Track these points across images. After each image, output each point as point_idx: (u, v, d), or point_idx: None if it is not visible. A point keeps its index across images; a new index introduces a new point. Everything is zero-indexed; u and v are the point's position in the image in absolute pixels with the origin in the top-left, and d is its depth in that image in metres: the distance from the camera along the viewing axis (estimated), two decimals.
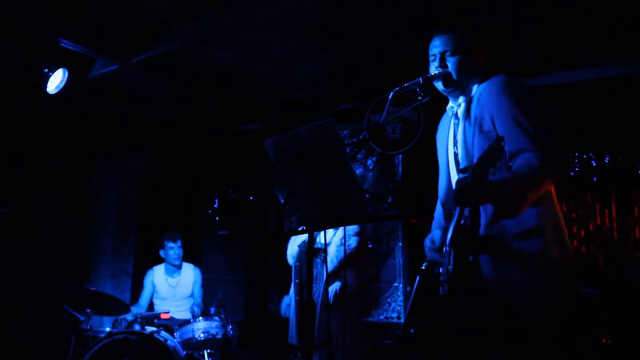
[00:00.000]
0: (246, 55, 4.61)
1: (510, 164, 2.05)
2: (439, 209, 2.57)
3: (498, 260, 2.09)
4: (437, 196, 2.55)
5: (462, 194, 1.91)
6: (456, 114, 2.37)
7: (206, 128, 6.07)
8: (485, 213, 2.12)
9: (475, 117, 2.19)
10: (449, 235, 2.20)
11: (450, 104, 2.42)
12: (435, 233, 2.39)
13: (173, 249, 5.23)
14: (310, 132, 2.21)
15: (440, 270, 2.34)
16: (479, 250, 2.11)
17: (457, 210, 2.08)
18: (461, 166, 2.27)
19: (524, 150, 2.02)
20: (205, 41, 4.28)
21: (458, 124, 2.35)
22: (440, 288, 2.30)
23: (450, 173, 2.39)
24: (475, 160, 2.13)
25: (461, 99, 2.34)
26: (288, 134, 2.26)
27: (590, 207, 4.24)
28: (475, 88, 2.30)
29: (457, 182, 1.92)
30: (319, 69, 4.86)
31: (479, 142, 2.15)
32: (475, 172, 1.84)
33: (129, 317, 4.51)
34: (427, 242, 2.40)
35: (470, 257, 2.13)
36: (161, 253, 5.30)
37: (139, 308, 5.15)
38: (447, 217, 2.40)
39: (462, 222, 2.08)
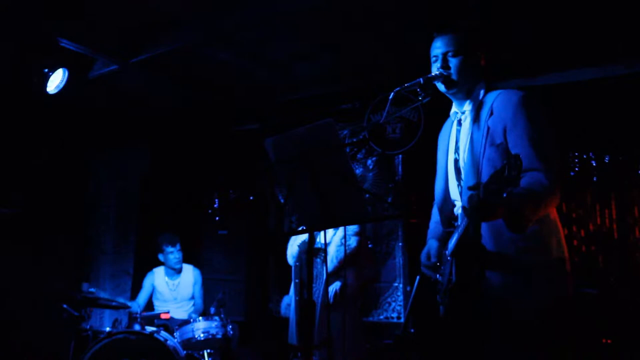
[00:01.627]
0: (246, 55, 4.61)
1: None
2: (435, 217, 2.56)
3: (502, 271, 2.10)
4: (434, 203, 2.55)
5: (475, 210, 1.90)
6: (459, 120, 2.36)
7: (206, 128, 6.06)
8: (487, 225, 2.12)
9: (488, 128, 2.17)
10: (450, 245, 2.20)
11: (454, 109, 2.40)
12: (431, 244, 2.39)
13: (173, 253, 5.17)
14: (310, 132, 2.21)
15: (439, 278, 2.35)
16: (485, 263, 2.11)
17: (464, 222, 2.08)
18: (463, 173, 2.26)
19: (534, 169, 2.04)
20: (205, 41, 4.28)
21: (461, 131, 2.34)
22: (439, 297, 2.31)
23: (448, 179, 2.38)
24: (483, 170, 2.13)
25: (467, 105, 2.32)
26: (288, 134, 2.26)
27: (590, 207, 4.24)
28: (482, 93, 2.28)
29: (469, 198, 1.91)
30: (319, 69, 4.86)
31: (490, 154, 2.14)
32: (487, 188, 1.82)
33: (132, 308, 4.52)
34: (422, 257, 2.41)
35: (473, 268, 2.13)
36: (160, 257, 5.23)
37: (137, 306, 5.11)
38: (445, 223, 2.39)
39: (467, 233, 2.09)
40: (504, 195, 1.80)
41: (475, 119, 2.25)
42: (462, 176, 2.27)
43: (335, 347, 3.64)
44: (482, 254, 2.11)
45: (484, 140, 2.17)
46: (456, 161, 2.32)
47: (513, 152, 2.10)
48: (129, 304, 4.71)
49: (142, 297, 5.27)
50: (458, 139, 2.34)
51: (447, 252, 2.26)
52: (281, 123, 5.57)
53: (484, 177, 2.13)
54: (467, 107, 2.32)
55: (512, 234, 2.01)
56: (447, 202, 2.37)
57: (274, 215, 5.85)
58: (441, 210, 2.42)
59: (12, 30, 4.18)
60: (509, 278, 2.08)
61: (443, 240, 2.34)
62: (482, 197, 1.84)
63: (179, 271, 5.27)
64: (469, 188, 1.89)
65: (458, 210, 2.31)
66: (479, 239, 2.12)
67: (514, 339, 2.05)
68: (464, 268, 2.15)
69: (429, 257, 2.37)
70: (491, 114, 2.19)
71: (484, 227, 2.12)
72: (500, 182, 1.78)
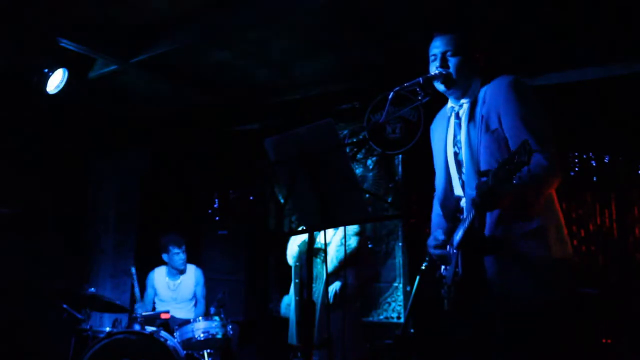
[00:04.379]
0: (246, 55, 4.61)
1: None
2: (436, 210, 2.56)
3: (504, 260, 2.10)
4: (435, 197, 2.55)
5: (484, 199, 1.90)
6: (457, 113, 2.36)
7: (206, 128, 6.06)
8: (490, 214, 2.12)
9: (482, 116, 2.19)
10: (457, 238, 2.20)
11: (450, 104, 2.41)
12: (436, 233, 2.39)
13: (178, 254, 5.17)
14: (310, 132, 2.21)
15: (443, 272, 2.34)
16: (487, 251, 2.11)
17: (470, 214, 2.08)
18: (464, 166, 2.26)
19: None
20: (205, 41, 4.28)
21: (459, 124, 2.34)
22: (443, 290, 2.31)
23: (450, 173, 2.38)
24: (480, 158, 2.13)
25: (464, 100, 2.33)
26: (288, 134, 2.26)
27: (590, 207, 4.24)
28: (477, 89, 2.29)
29: (477, 186, 1.91)
30: (319, 69, 4.86)
31: (485, 141, 2.15)
32: (496, 176, 1.82)
33: (138, 310, 4.51)
34: (430, 241, 2.40)
35: (479, 259, 2.13)
36: (164, 257, 5.23)
37: (144, 307, 5.09)
38: (448, 217, 2.39)
39: (474, 225, 2.09)
40: (514, 182, 1.80)
41: (472, 112, 2.27)
42: (463, 169, 2.28)
43: (335, 347, 3.64)
44: (488, 247, 2.11)
45: (479, 129, 2.18)
46: (456, 154, 2.33)
47: (508, 135, 2.12)
48: (136, 305, 4.68)
49: (149, 298, 5.25)
50: (457, 133, 2.34)
51: (453, 244, 2.26)
52: (281, 123, 5.57)
53: (483, 165, 2.15)
54: (464, 100, 2.33)
55: (513, 222, 2.03)
56: (449, 196, 2.37)
57: (274, 215, 5.85)
58: (443, 205, 2.42)
59: (12, 30, 4.19)
60: (511, 272, 2.08)
61: (448, 233, 2.35)
62: (491, 185, 1.83)
63: (181, 272, 5.27)
64: (478, 174, 1.90)
65: (463, 203, 2.31)
66: (484, 230, 2.13)
67: (515, 336, 2.06)
68: (471, 260, 2.15)
69: (436, 239, 2.35)
70: (484, 102, 2.21)
71: (487, 217, 2.13)
72: (509, 170, 1.77)
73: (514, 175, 1.79)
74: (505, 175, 1.79)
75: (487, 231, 2.13)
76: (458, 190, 2.34)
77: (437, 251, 2.36)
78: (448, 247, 2.31)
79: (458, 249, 2.20)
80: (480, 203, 1.93)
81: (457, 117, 2.36)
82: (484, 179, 1.88)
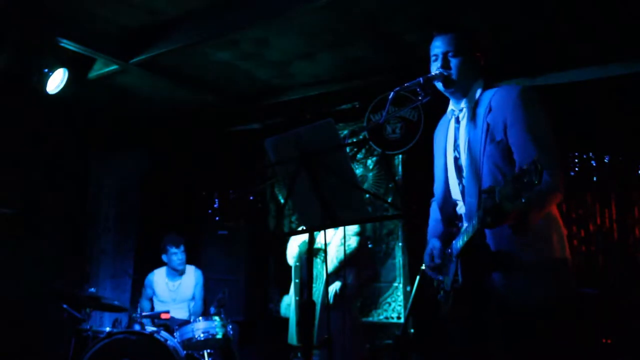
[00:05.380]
0: (246, 55, 4.61)
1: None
2: (434, 214, 2.55)
3: (504, 269, 2.10)
4: (433, 201, 2.55)
5: (490, 216, 1.85)
6: (457, 117, 2.36)
7: (206, 128, 6.06)
8: None
9: (488, 125, 2.16)
10: (456, 246, 2.20)
11: (451, 106, 2.40)
12: (433, 244, 2.37)
13: (176, 254, 5.16)
14: (310, 132, 2.21)
15: (441, 278, 2.34)
16: (492, 264, 2.10)
17: (471, 225, 2.06)
18: (464, 171, 2.26)
19: None
20: (205, 41, 4.28)
21: (459, 128, 2.33)
22: (440, 295, 2.30)
23: (449, 177, 2.37)
24: (483, 167, 2.12)
25: (463, 103, 2.32)
26: (288, 134, 2.26)
27: (590, 207, 4.23)
28: (478, 92, 2.28)
29: (483, 201, 1.87)
30: (319, 68, 4.86)
31: (490, 151, 2.13)
32: (502, 194, 1.78)
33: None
34: (426, 257, 2.40)
35: (480, 270, 2.12)
36: (163, 258, 5.22)
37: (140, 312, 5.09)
38: (446, 222, 2.39)
39: (475, 236, 2.08)
40: (522, 200, 1.75)
41: (472, 116, 2.25)
42: (464, 174, 2.27)
43: (335, 347, 3.65)
44: (489, 256, 2.10)
45: (483, 137, 2.16)
46: (456, 159, 2.32)
47: (513, 147, 2.10)
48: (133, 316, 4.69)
49: (145, 304, 5.25)
50: (457, 137, 2.33)
51: (452, 252, 2.25)
52: (281, 123, 5.57)
53: (485, 175, 2.12)
54: (464, 104, 2.32)
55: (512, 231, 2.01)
56: (448, 201, 2.36)
57: (274, 215, 5.85)
58: (442, 209, 2.41)
59: (12, 30, 4.18)
60: (510, 277, 2.08)
61: (445, 239, 2.34)
62: (498, 202, 1.79)
63: (181, 272, 5.26)
64: (483, 192, 1.87)
65: (460, 209, 2.30)
66: (484, 240, 2.12)
67: (515, 338, 2.05)
68: (471, 270, 2.15)
69: (432, 258, 2.35)
70: (490, 110, 2.18)
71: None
72: (518, 189, 1.73)
73: (522, 194, 1.74)
74: (513, 193, 1.74)
75: (492, 244, 2.11)
76: (456, 195, 2.32)
77: (431, 273, 2.39)
78: (448, 250, 2.31)
79: (458, 257, 2.20)
80: (484, 220, 1.89)
81: (457, 121, 2.35)
82: (485, 195, 1.85)
